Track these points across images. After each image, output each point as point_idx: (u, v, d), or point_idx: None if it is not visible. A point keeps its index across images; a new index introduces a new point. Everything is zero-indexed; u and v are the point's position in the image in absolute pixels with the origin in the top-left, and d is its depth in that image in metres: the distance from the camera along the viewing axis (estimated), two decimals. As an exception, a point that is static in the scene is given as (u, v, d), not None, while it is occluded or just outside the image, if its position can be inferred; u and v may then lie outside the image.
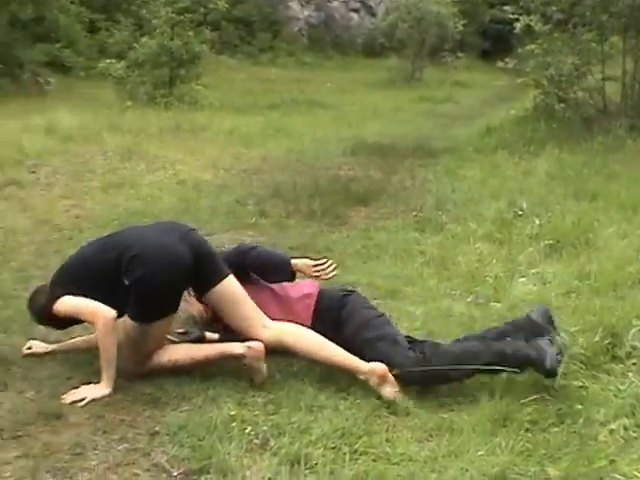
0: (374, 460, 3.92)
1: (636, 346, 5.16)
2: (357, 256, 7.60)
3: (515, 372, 4.50)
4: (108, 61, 20.90)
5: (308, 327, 4.93)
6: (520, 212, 8.91)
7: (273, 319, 4.92)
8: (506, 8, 18.06)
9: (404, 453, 3.97)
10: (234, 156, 13.51)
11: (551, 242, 7.61)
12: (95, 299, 4.67)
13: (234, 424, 4.17)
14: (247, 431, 4.10)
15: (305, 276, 5.34)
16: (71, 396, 4.54)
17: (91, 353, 5.15)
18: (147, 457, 3.94)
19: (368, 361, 4.63)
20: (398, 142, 15.96)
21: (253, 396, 4.57)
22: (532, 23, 16.16)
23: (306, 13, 38.84)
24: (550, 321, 4.81)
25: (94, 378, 4.79)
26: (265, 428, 4.16)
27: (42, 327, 5.42)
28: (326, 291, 5.28)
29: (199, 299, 5.11)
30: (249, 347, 4.64)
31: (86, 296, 4.71)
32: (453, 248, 7.74)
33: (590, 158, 12.27)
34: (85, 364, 5.01)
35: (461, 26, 32.46)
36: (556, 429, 4.20)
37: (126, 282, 4.62)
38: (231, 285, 4.89)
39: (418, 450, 4.01)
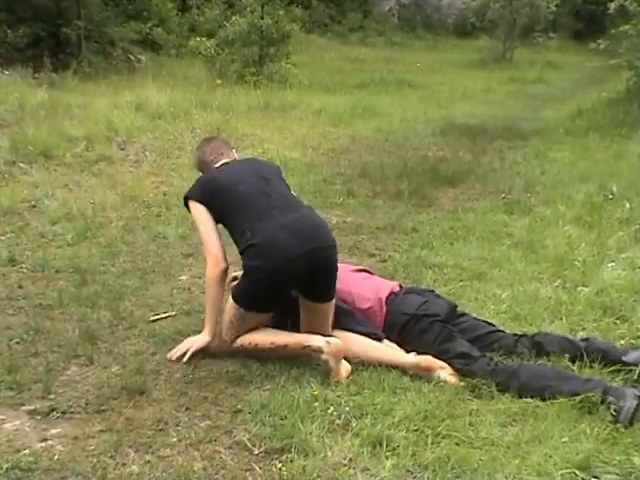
0: (456, 444, 3.88)
1: None
2: (444, 237, 7.54)
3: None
4: (198, 39, 21.02)
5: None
6: (610, 196, 8.77)
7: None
8: (600, -12, 17.73)
9: (487, 437, 3.93)
10: (322, 135, 13.50)
11: (642, 227, 7.48)
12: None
13: (316, 404, 4.16)
14: (329, 411, 4.09)
15: None
16: (174, 352, 4.74)
17: (176, 330, 5.21)
18: (229, 435, 3.96)
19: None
20: (487, 123, 15.82)
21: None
22: (626, 3, 15.86)
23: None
24: None
25: (178, 354, 4.85)
26: (347, 409, 4.15)
27: (129, 304, 5.51)
28: (396, 303, 5.13)
29: None
30: (328, 342, 4.59)
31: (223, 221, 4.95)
32: (541, 231, 7.64)
33: (683, 141, 12.03)
34: (170, 341, 5.04)
35: (554, 6, 31.95)
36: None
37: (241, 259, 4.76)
38: (329, 308, 4.86)
39: (501, 435, 3.96)
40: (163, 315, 5.52)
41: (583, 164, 10.91)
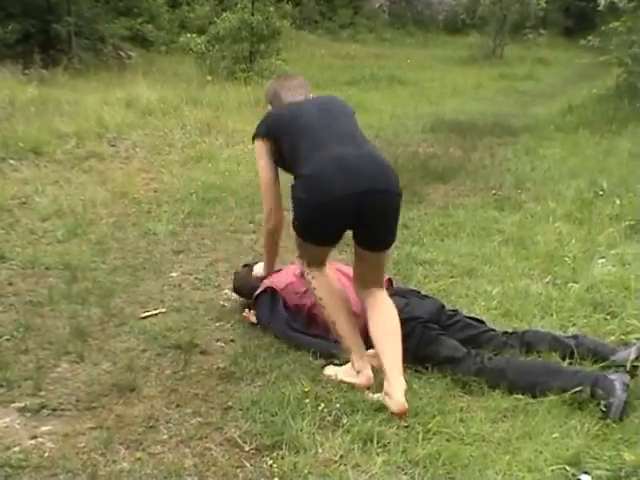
0: (447, 440, 3.89)
1: None
2: (434, 233, 7.55)
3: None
4: (189, 36, 20.98)
5: None
6: (601, 192, 8.79)
7: None
8: (590, -16, 17.74)
9: (478, 433, 3.94)
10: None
11: (632, 223, 7.50)
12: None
13: (307, 400, 4.16)
14: (320, 408, 4.09)
15: None
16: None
17: (166, 327, 5.21)
18: (219, 431, 3.96)
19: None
20: (478, 119, 15.83)
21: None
22: (616, 0, 15.88)
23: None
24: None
25: (170, 351, 4.85)
26: (338, 405, 4.15)
27: (119, 301, 5.52)
28: None
29: None
30: (367, 379, 4.46)
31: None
32: (532, 227, 7.66)
33: (674, 137, 12.06)
34: (161, 338, 5.05)
35: (544, 3, 31.95)
36: (633, 412, 4.12)
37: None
38: (382, 258, 4.65)
39: (492, 431, 3.98)
40: (154, 312, 5.52)
41: (573, 160, 10.93)
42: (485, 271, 6.44)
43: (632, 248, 6.88)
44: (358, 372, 4.42)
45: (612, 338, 5.05)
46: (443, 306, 5.12)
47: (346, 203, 4.28)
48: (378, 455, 3.73)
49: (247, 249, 7.04)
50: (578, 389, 4.16)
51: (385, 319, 4.47)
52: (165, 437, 3.89)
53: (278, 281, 5.23)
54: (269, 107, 5.11)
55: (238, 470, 3.63)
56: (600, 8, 16.76)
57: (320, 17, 35.37)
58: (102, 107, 12.76)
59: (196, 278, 6.30)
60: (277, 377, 4.47)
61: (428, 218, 8.14)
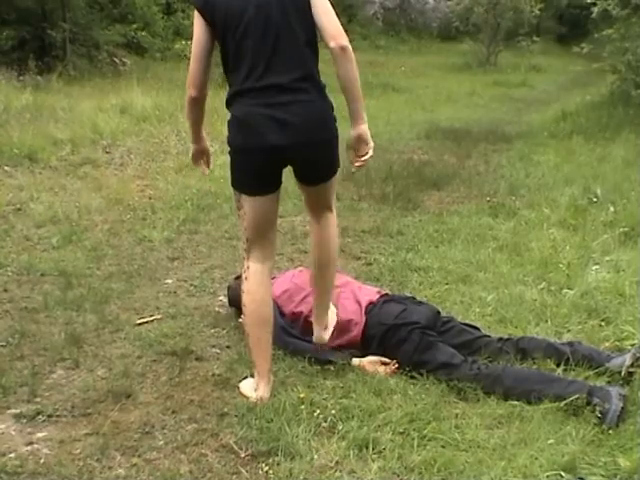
0: (442, 446, 3.89)
1: None
2: (429, 240, 7.56)
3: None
4: (183, 42, 20.98)
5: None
6: (595, 199, 8.81)
7: None
8: (583, -8, 17.78)
9: (473, 440, 3.94)
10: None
11: (626, 229, 7.52)
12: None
13: (302, 407, 4.17)
14: (315, 414, 4.10)
15: None
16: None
17: (162, 333, 5.22)
18: (215, 438, 3.97)
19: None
20: (472, 126, 15.85)
21: (323, 379, 4.58)
22: (609, 7, 15.91)
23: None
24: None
25: (165, 357, 4.86)
26: (333, 412, 4.15)
27: (114, 307, 5.52)
28: (374, 314, 5.03)
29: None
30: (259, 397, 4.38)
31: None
32: (526, 234, 7.67)
33: (667, 144, 12.10)
34: (156, 344, 5.06)
35: (537, 10, 32.01)
36: (629, 419, 4.13)
37: None
38: (322, 188, 4.42)
39: (487, 437, 3.98)
40: (149, 318, 5.52)
41: (567, 167, 10.95)
42: (480, 278, 6.45)
43: (626, 254, 6.89)
44: (255, 389, 4.40)
45: (607, 344, 5.05)
46: (439, 312, 5.13)
47: (273, 154, 4.15)
48: (374, 461, 3.74)
49: (242, 256, 7.03)
50: (574, 397, 4.17)
51: (325, 251, 4.56)
52: (161, 443, 3.89)
53: (274, 288, 5.23)
54: None
55: (234, 476, 3.63)
56: (593, 15, 16.80)
57: (314, 24, 35.43)
58: (97, 114, 12.77)
59: (191, 285, 6.30)
60: (273, 383, 4.47)
61: (423, 225, 8.15)
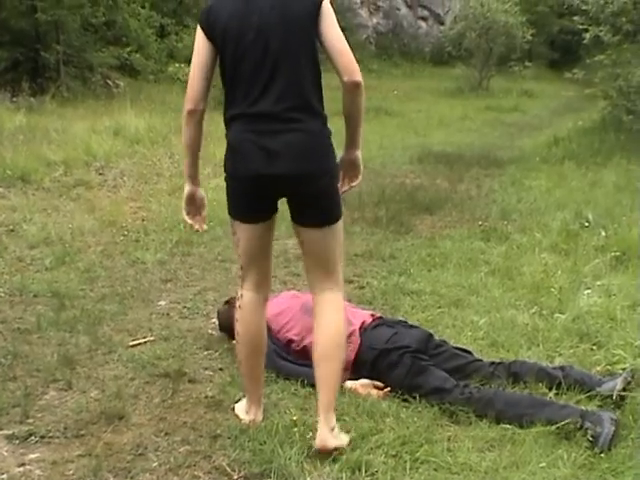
0: (435, 469, 3.90)
1: None
2: (422, 264, 7.57)
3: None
4: (177, 65, 21.06)
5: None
6: (586, 223, 8.83)
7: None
8: (575, 19, 17.87)
9: (465, 463, 3.95)
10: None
11: (617, 254, 7.54)
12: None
13: (295, 429, 4.17)
14: (308, 436, 4.09)
15: None
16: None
17: (155, 355, 5.22)
18: (208, 460, 3.97)
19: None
20: (464, 151, 15.90)
21: (316, 401, 4.57)
22: (601, 34, 16.03)
23: (374, 21, 38.79)
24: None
25: (158, 379, 4.85)
26: (326, 434, 4.15)
27: (107, 329, 5.53)
28: (365, 338, 5.01)
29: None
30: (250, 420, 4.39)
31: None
32: (518, 258, 7.69)
33: (658, 170, 12.16)
34: (149, 366, 5.06)
35: (529, 36, 32.18)
36: (620, 443, 4.14)
37: None
38: (322, 236, 4.13)
39: (479, 460, 3.98)
40: (142, 340, 5.53)
41: (559, 192, 10.99)
42: (472, 302, 6.46)
43: (618, 279, 6.92)
44: (247, 411, 4.38)
45: (598, 368, 5.07)
46: (431, 335, 5.13)
47: (260, 184, 4.01)
48: (366, 484, 3.74)
49: (235, 278, 7.00)
50: (566, 421, 4.18)
51: (325, 340, 4.14)
52: (154, 465, 3.89)
53: (267, 311, 5.23)
54: None
55: (227, 498, 3.64)
56: (585, 41, 16.92)
57: (308, 48, 35.56)
58: (90, 135, 12.80)
59: (184, 307, 6.31)
60: (266, 405, 4.48)
61: (415, 249, 8.17)
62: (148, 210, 9.54)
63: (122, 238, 8.23)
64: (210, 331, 5.79)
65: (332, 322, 4.17)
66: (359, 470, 3.83)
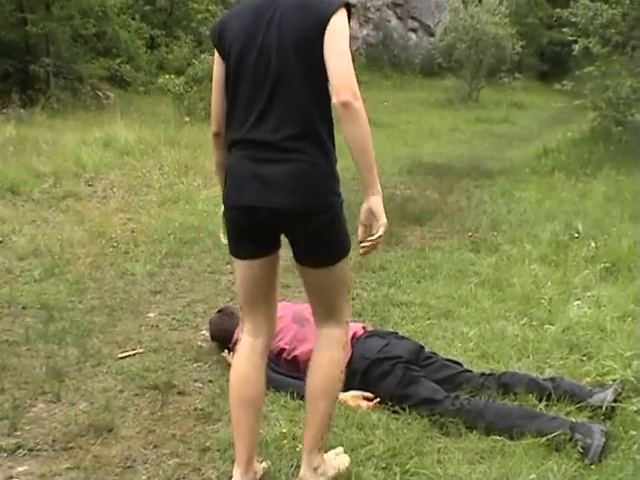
0: (425, 482, 3.89)
1: None
2: (411, 275, 7.57)
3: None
4: (167, 77, 21.07)
5: None
6: (576, 234, 8.84)
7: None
8: (564, 30, 17.91)
9: (455, 475, 3.94)
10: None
11: (607, 265, 7.55)
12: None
13: (285, 441, 4.16)
14: (298, 449, 4.08)
15: None
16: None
17: (144, 367, 5.20)
18: (197, 472, 3.96)
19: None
20: (454, 162, 15.92)
21: (306, 413, 4.56)
22: (590, 45, 16.08)
23: (364, 32, 38.85)
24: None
25: (147, 391, 4.84)
26: (316, 446, 4.14)
27: (96, 341, 5.51)
28: (357, 348, 4.98)
29: None
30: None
31: None
32: (508, 269, 7.69)
33: (647, 181, 12.19)
34: (138, 378, 5.04)
35: (519, 47, 32.29)
36: (610, 454, 4.14)
37: None
38: (320, 277, 3.77)
39: (469, 472, 3.97)
40: (131, 352, 5.51)
41: (549, 203, 11.01)
42: (462, 313, 6.46)
43: (607, 290, 6.92)
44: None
45: (588, 379, 5.06)
46: (422, 347, 5.13)
47: (252, 215, 3.63)
48: (356, 496, 3.73)
49: (225, 290, 7.04)
50: (556, 433, 4.18)
51: (315, 379, 3.79)
52: (143, 478, 3.88)
53: None
54: None
55: (216, 511, 3.62)
56: (574, 53, 16.98)
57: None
58: (80, 147, 12.79)
59: (174, 319, 6.29)
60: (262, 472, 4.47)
61: (405, 260, 8.16)
62: (138, 222, 9.52)
63: (111, 249, 8.21)
64: (200, 343, 5.77)
65: (325, 359, 3.79)
66: (349, 482, 3.82)
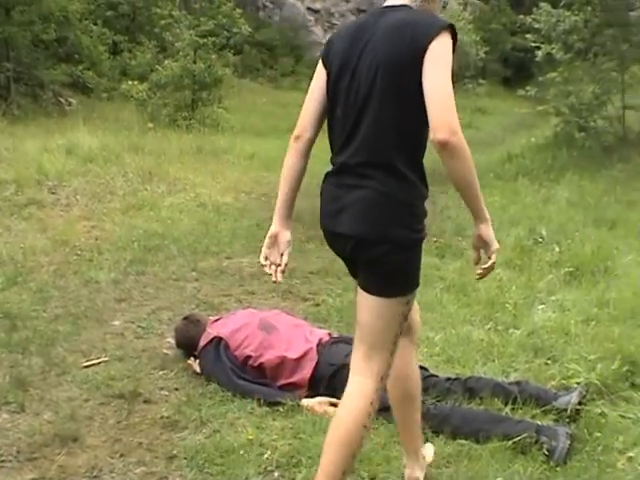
0: (393, 487, 3.89)
1: (657, 375, 5.18)
2: (377, 281, 7.55)
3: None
4: (130, 83, 21.02)
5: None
6: (540, 239, 8.89)
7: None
8: (528, 36, 18.03)
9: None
10: (255, 180, 13.53)
11: (571, 269, 7.60)
12: None
13: (252, 448, 4.15)
14: (265, 456, 4.08)
15: None
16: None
17: (109, 375, 5.17)
18: (164, 480, 3.93)
19: None
20: (418, 168, 15.93)
21: (273, 420, 4.56)
22: (553, 52, 16.25)
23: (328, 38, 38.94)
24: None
25: (113, 400, 4.81)
26: (283, 452, 4.14)
27: (61, 350, 5.47)
28: (324, 354, 5.04)
29: None
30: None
31: None
32: (473, 274, 7.69)
33: (610, 186, 12.30)
34: (103, 387, 5.01)
35: (483, 53, 32.52)
36: (575, 456, 4.17)
37: None
38: (376, 305, 3.55)
39: (436, 476, 3.99)
40: (96, 361, 5.47)
41: (513, 208, 11.07)
42: (427, 318, 6.46)
43: (571, 294, 6.96)
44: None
45: (553, 383, 5.10)
46: None
47: (330, 239, 3.68)
48: (324, 503, 3.72)
49: (190, 297, 7.01)
50: (522, 436, 4.20)
51: (337, 429, 3.55)
52: (109, 487, 3.86)
53: (224, 330, 5.21)
54: None
55: (183, 520, 3.60)
56: (537, 59, 17.12)
57: (262, 65, 35.59)
58: (42, 154, 12.69)
59: (139, 326, 6.26)
60: (222, 425, 4.46)
61: (370, 265, 8.15)
62: (101, 229, 9.47)
63: (75, 257, 8.15)
64: (165, 350, 5.75)
65: (351, 410, 3.58)
66: (316, 489, 3.81)
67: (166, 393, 5.01)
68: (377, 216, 3.41)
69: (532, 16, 17.17)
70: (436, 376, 4.99)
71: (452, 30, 3.36)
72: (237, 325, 5.23)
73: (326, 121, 3.65)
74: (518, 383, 4.85)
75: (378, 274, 3.52)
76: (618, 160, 14.33)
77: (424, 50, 3.27)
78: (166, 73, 20.31)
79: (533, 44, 17.19)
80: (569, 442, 4.16)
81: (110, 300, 6.88)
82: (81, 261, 8.03)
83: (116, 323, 6.33)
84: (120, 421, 4.56)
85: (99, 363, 5.44)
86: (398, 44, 3.33)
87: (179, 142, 16.02)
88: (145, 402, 4.82)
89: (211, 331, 5.23)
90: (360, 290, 3.60)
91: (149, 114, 19.81)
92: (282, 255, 3.75)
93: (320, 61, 3.74)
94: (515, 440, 4.19)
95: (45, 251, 8.30)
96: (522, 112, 21.63)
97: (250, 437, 4.27)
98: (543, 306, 6.67)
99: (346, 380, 4.72)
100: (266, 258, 3.75)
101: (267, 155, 15.90)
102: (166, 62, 21.06)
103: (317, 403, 4.74)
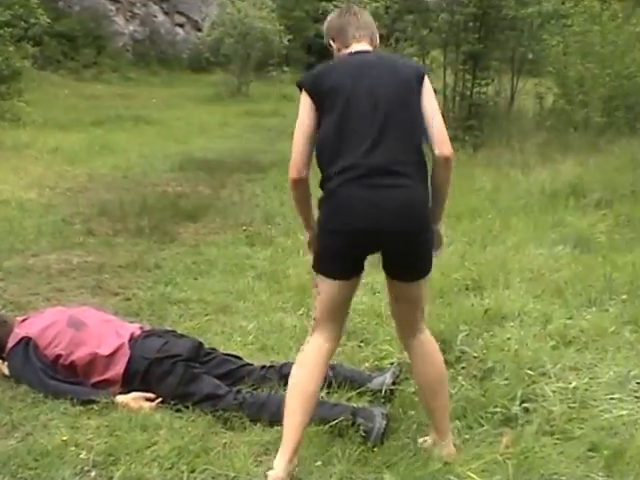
0: (213, 477, 3.91)
1: (464, 350, 5.38)
2: (187, 272, 7.54)
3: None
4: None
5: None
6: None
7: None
8: (328, 22, 18.24)
9: (242, 468, 3.96)
10: (59, 174, 13.23)
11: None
12: None
13: (67, 449, 4.07)
14: (81, 456, 4.02)
15: None
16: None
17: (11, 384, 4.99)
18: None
19: None
20: (225, 157, 15.98)
21: (87, 419, 4.49)
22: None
23: (131, 28, 38.34)
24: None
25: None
26: (100, 451, 4.08)
27: None
28: (136, 348, 4.96)
29: None
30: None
31: None
32: (283, 261, 7.78)
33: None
34: (17, 400, 4.78)
35: (286, 41, 32.76)
36: (392, 435, 4.27)
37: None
38: (411, 289, 4.17)
39: (256, 465, 4.01)
40: None
41: (317, 192, 11.17)
42: (240, 307, 6.49)
43: (381, 277, 7.05)
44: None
45: (367, 364, 5.21)
46: (201, 344, 5.13)
47: (360, 238, 3.95)
48: (144, 498, 3.70)
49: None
50: (339, 419, 4.26)
51: (431, 379, 4.19)
52: None
53: (32, 330, 5.08)
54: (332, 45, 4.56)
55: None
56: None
57: (62, 57, 34.76)
58: None
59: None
60: (34, 428, 4.36)
61: (180, 257, 8.13)
62: None
63: None
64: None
65: (435, 360, 4.22)
66: (135, 485, 3.79)
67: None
68: (418, 211, 3.95)
69: (334, 2, 17.37)
70: (251, 364, 5.04)
71: None
72: (46, 324, 5.10)
73: (329, 136, 4.03)
74: (332, 367, 4.89)
75: (421, 260, 4.09)
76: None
77: (423, 77, 4.03)
78: None
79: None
80: (385, 422, 4.25)
81: None
82: None
83: None
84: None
85: None
86: (408, 71, 4.09)
87: (-23, 138, 15.56)
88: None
89: (19, 331, 5.09)
90: (398, 282, 4.16)
91: None
92: None
93: (306, 95, 4.19)
94: (332, 424, 4.26)
95: None
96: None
97: (64, 438, 4.18)
98: (353, 290, 6.78)
99: (160, 374, 4.72)
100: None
101: (71, 149, 15.59)
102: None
103: (132, 399, 4.70)
